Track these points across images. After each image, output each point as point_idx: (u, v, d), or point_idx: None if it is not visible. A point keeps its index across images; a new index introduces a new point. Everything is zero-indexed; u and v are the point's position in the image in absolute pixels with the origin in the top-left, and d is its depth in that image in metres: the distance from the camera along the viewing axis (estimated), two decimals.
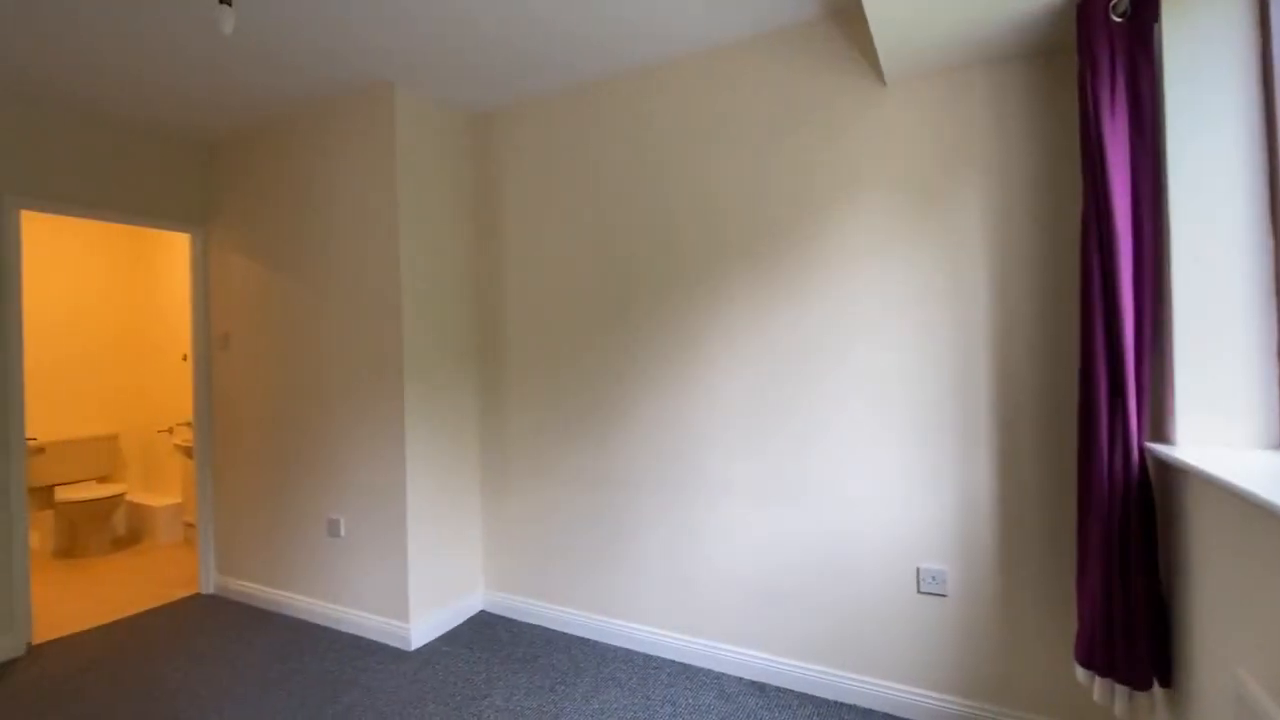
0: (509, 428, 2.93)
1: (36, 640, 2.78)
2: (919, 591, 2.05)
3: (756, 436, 2.31)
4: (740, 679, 2.33)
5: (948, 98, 1.99)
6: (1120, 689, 1.46)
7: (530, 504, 2.86)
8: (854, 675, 2.15)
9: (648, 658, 2.51)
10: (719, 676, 2.35)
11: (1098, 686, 1.50)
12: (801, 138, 2.22)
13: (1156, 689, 1.46)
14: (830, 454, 2.18)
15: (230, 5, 1.35)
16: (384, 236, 2.68)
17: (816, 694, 2.21)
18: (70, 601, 3.25)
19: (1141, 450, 1.43)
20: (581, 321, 2.71)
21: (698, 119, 2.42)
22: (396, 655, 2.58)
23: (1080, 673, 1.54)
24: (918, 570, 2.05)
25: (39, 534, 4.01)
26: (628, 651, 2.56)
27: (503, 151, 2.93)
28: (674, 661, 2.47)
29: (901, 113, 2.06)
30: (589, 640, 2.67)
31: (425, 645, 2.67)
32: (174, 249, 4.29)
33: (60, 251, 4.19)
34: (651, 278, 2.52)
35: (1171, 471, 1.46)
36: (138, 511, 4.33)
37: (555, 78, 2.62)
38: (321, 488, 2.91)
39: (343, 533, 2.83)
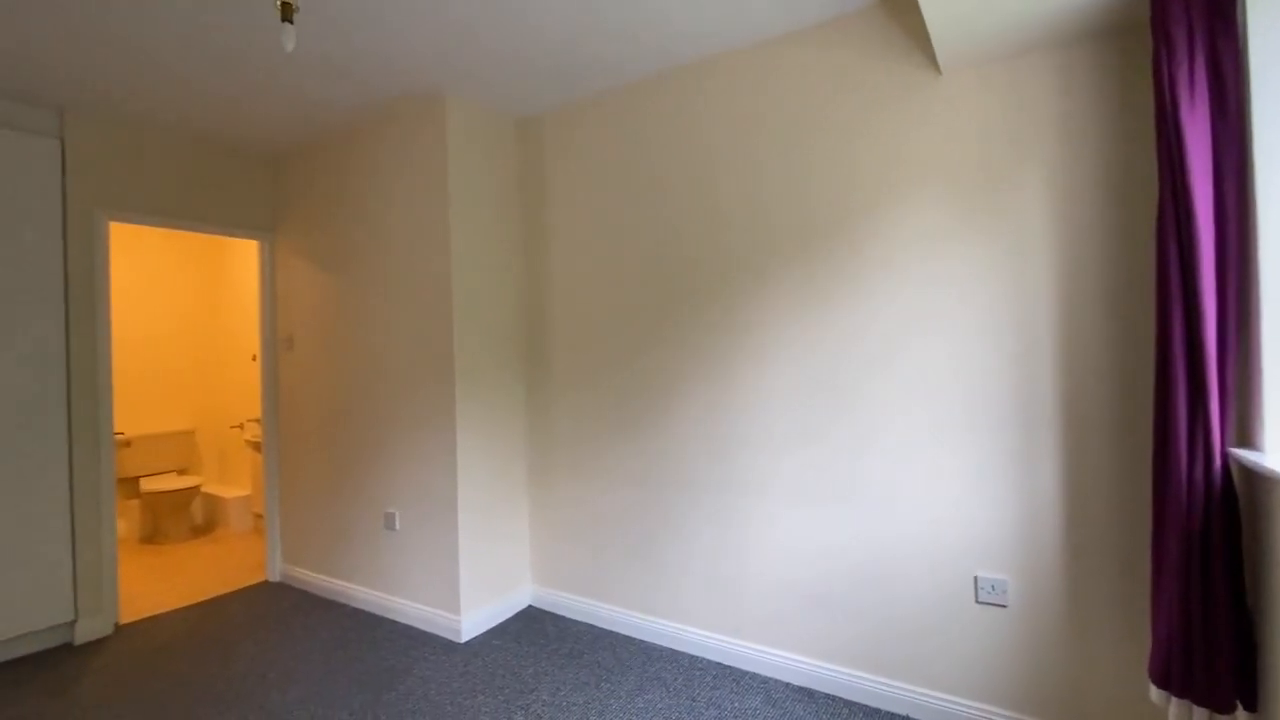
0: (555, 426, 2.97)
1: (123, 620, 3.00)
2: (977, 601, 1.97)
3: (805, 436, 2.27)
4: (787, 684, 2.29)
5: (1007, 85, 1.90)
6: (1199, 711, 1.36)
7: (575, 502, 2.90)
8: (906, 685, 2.09)
9: (693, 658, 2.50)
10: (765, 681, 2.32)
11: (1174, 708, 1.40)
12: (851, 131, 2.16)
13: (1240, 713, 1.36)
14: (883, 455, 2.12)
15: (291, 24, 1.42)
16: (436, 240, 2.76)
17: (866, 702, 2.15)
18: (152, 585, 3.49)
19: (1225, 457, 1.33)
20: (626, 320, 2.72)
21: (744, 115, 2.39)
22: (448, 646, 2.66)
23: (1155, 693, 1.45)
24: (975, 579, 1.97)
25: (125, 522, 4.32)
26: (673, 651, 2.56)
27: (548, 154, 2.98)
28: (719, 664, 2.45)
29: (958, 102, 1.98)
30: (634, 639, 2.68)
31: (475, 638, 2.74)
32: (245, 255, 4.54)
33: (143, 258, 4.50)
34: (698, 276, 2.51)
35: (1259, 480, 1.35)
36: (212, 502, 4.61)
37: (604, 79, 2.64)
38: (378, 482, 3.02)
39: (398, 526, 2.94)
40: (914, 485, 2.07)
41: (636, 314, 2.69)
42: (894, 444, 2.10)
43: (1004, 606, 1.93)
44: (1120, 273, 1.76)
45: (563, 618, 2.91)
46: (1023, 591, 1.90)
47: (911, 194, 2.05)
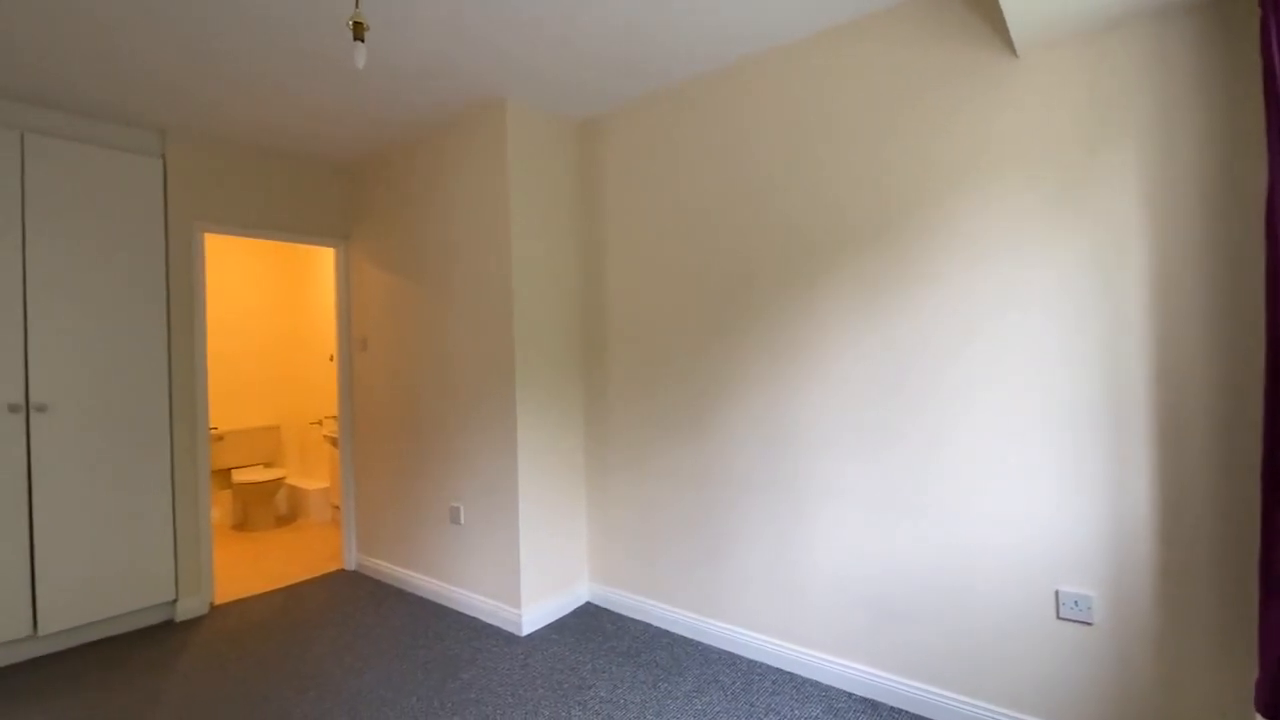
0: (611, 425, 2.99)
1: (217, 601, 3.25)
2: (1058, 617, 1.84)
3: (873, 439, 2.18)
4: (850, 694, 2.23)
5: (1092, 64, 1.77)
6: None
7: (633, 500, 2.91)
8: (977, 701, 1.98)
9: (751, 663, 2.46)
10: (826, 690, 2.26)
11: None
12: (919, 121, 2.07)
13: None
14: (956, 460, 2.02)
15: (363, 42, 1.49)
16: (497, 244, 2.84)
17: (934, 717, 2.06)
18: (243, 569, 3.75)
19: None
20: (683, 319, 2.71)
21: (805, 108, 2.33)
22: (509, 639, 2.73)
23: None
24: (1057, 593, 1.84)
25: (219, 510, 4.67)
26: (731, 655, 2.54)
27: (605, 155, 3.00)
28: (779, 669, 2.41)
29: (1036, 86, 1.85)
30: (691, 639, 2.67)
31: (535, 632, 2.80)
32: (323, 262, 4.81)
33: (233, 267, 4.85)
34: (758, 275, 2.47)
35: None
36: (295, 493, 4.92)
37: (664, 77, 2.63)
38: (444, 477, 3.14)
39: (462, 520, 3.04)
40: (991, 491, 1.95)
41: (692, 314, 2.68)
42: (969, 447, 1.99)
43: (1089, 624, 1.80)
44: (1224, 264, 1.60)
45: (620, 615, 2.93)
46: (1110, 609, 1.77)
47: (988, 186, 1.94)
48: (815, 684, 2.30)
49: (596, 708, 2.20)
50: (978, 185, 1.96)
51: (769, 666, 2.43)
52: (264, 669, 2.53)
